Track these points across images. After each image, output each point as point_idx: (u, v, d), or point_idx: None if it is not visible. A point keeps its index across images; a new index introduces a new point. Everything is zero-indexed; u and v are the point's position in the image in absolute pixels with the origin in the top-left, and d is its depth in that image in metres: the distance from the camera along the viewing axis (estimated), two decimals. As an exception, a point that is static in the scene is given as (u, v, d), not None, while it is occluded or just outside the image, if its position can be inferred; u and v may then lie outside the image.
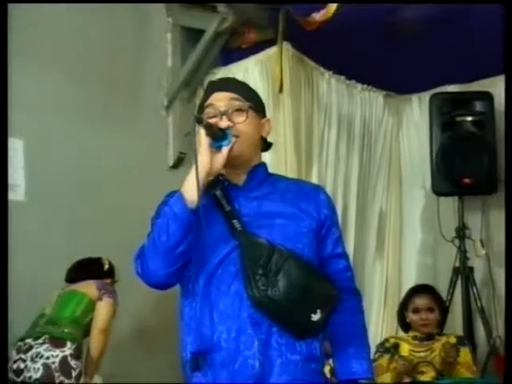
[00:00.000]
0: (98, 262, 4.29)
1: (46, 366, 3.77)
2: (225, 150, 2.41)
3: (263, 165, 2.63)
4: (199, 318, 2.43)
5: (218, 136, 2.39)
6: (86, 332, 4.07)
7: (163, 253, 2.39)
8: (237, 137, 2.44)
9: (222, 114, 2.50)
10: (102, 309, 4.06)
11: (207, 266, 2.42)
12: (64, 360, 3.80)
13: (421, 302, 4.36)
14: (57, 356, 3.79)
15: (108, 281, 4.25)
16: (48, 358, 3.78)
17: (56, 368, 3.77)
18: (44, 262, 4.42)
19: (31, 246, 4.43)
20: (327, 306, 2.46)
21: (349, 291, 2.58)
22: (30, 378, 3.78)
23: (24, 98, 4.49)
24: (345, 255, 2.66)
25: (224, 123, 2.44)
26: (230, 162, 2.45)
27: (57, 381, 3.77)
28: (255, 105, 2.60)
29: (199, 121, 2.38)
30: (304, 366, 2.45)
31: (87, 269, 4.24)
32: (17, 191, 4.47)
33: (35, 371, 3.76)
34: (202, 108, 2.59)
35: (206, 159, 2.37)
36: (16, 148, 4.48)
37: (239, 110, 2.53)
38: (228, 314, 2.39)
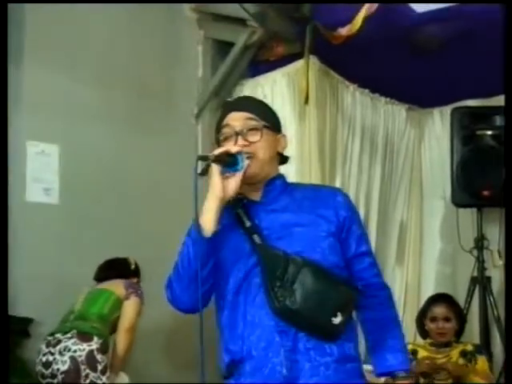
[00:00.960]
0: (124, 261, 4.32)
1: (72, 359, 3.79)
2: (238, 175, 2.42)
3: (280, 176, 2.62)
4: (230, 330, 2.48)
5: (229, 162, 2.38)
6: (113, 329, 4.10)
7: (186, 280, 2.45)
8: (251, 158, 2.45)
9: (237, 133, 2.50)
10: (129, 307, 4.09)
11: (233, 280, 2.47)
12: (90, 354, 3.82)
13: (438, 311, 4.34)
14: (83, 350, 3.81)
15: (134, 280, 4.29)
16: (75, 351, 3.81)
17: (82, 361, 3.80)
18: (75, 261, 4.44)
19: (63, 247, 4.47)
20: (347, 308, 2.46)
21: (377, 287, 2.60)
22: (58, 370, 3.82)
23: (59, 106, 4.56)
24: (369, 252, 2.64)
25: (234, 148, 2.43)
26: (248, 181, 2.48)
27: (83, 373, 3.80)
28: (270, 123, 2.61)
29: (203, 159, 2.43)
30: (337, 367, 2.44)
31: (115, 268, 4.28)
32: (51, 195, 4.52)
33: (63, 364, 3.80)
34: (219, 128, 2.61)
35: (218, 187, 2.41)
36: (51, 153, 4.51)
37: (254, 129, 2.53)
38: (256, 324, 2.42)
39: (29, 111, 4.45)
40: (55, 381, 3.84)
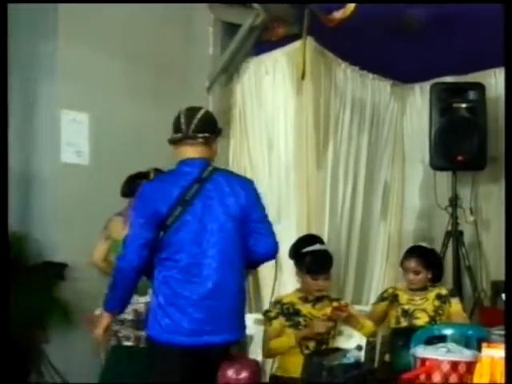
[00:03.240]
0: (146, 174, 4.07)
1: (134, 310, 3.84)
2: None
3: None
4: None
5: None
6: None
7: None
8: None
9: None
10: None
11: None
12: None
13: (409, 265, 4.23)
14: (143, 302, 3.81)
15: None
16: (137, 303, 3.82)
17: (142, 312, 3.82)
18: (101, 212, 4.38)
19: (93, 200, 4.51)
20: None
21: None
22: (126, 319, 3.86)
23: (90, 79, 4.58)
24: None
25: None
26: None
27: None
28: None
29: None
30: None
31: (136, 182, 4.02)
32: (82, 157, 4.56)
33: (128, 314, 3.81)
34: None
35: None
36: (82, 121, 4.55)
37: None
38: None
39: (63, 84, 4.49)
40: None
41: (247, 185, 3.09)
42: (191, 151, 2.99)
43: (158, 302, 2.89)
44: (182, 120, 3.01)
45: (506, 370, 2.50)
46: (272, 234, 3.06)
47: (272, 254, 3.06)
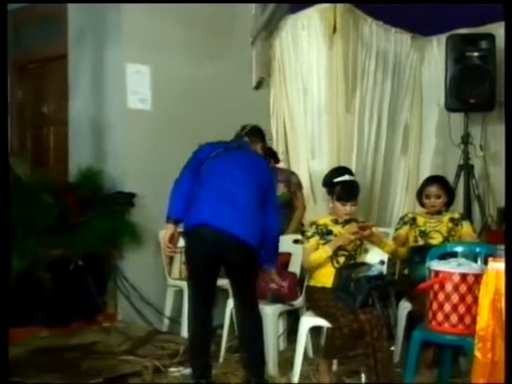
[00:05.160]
0: None
1: None
2: None
3: None
4: None
5: None
6: None
7: None
8: None
9: None
10: None
11: None
12: None
13: (431, 189, 4.21)
14: None
15: None
16: None
17: None
18: (163, 151, 4.51)
19: (156, 140, 4.53)
20: None
21: None
22: None
23: (150, 38, 4.54)
24: None
25: None
26: None
27: None
28: None
29: None
30: None
31: None
32: (145, 103, 4.56)
33: None
34: None
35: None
36: (144, 72, 4.56)
37: None
38: None
39: (127, 42, 4.48)
40: None
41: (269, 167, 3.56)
42: None
43: None
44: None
45: (506, 369, 2.38)
46: (277, 208, 3.43)
47: (276, 224, 3.41)
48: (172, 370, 3.66)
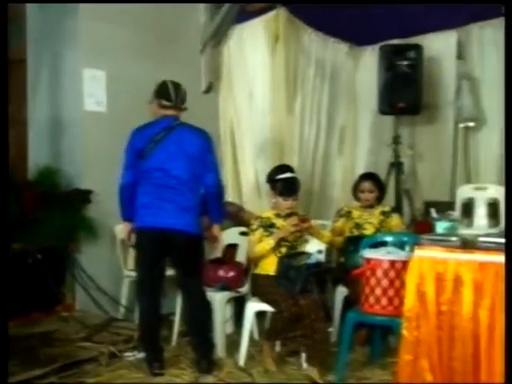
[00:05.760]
0: None
1: None
2: None
3: None
4: None
5: None
6: None
7: None
8: None
9: None
10: None
11: None
12: None
13: (364, 185, 4.29)
14: None
15: None
16: None
17: None
18: (119, 147, 4.39)
19: (110, 140, 4.39)
20: None
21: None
22: None
23: (105, 44, 4.49)
24: None
25: None
26: None
27: None
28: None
29: None
30: None
31: None
32: (100, 106, 4.51)
33: None
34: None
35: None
36: (100, 76, 4.50)
37: None
38: None
39: (84, 49, 4.41)
40: None
41: (203, 137, 3.43)
42: (169, 112, 3.40)
43: None
44: (171, 91, 3.40)
45: (506, 369, 2.33)
46: (216, 171, 3.44)
47: (214, 185, 3.43)
48: (127, 354, 3.64)
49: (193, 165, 3.34)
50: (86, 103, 4.43)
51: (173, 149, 3.31)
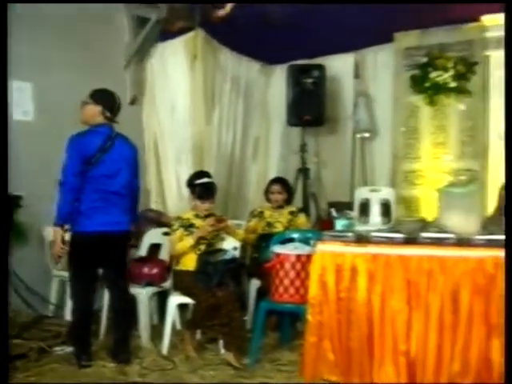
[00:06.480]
0: None
1: None
2: None
3: None
4: None
5: None
6: None
7: None
8: None
9: None
10: None
11: None
12: None
13: (274, 188, 4.38)
14: None
15: None
16: None
17: None
18: (47, 155, 4.27)
19: (38, 147, 4.33)
20: None
21: None
22: None
23: (32, 60, 4.35)
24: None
25: None
26: None
27: None
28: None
29: None
30: None
31: None
32: (27, 115, 4.39)
33: None
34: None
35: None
36: (25, 88, 4.38)
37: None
38: None
39: (11, 61, 4.23)
40: None
41: (133, 147, 3.52)
42: (106, 121, 3.37)
43: None
44: (116, 106, 3.41)
45: (506, 367, 2.30)
46: (139, 177, 3.57)
47: (138, 188, 3.58)
48: (56, 349, 3.54)
49: (129, 171, 3.41)
50: (14, 113, 4.29)
51: (116, 157, 3.32)
